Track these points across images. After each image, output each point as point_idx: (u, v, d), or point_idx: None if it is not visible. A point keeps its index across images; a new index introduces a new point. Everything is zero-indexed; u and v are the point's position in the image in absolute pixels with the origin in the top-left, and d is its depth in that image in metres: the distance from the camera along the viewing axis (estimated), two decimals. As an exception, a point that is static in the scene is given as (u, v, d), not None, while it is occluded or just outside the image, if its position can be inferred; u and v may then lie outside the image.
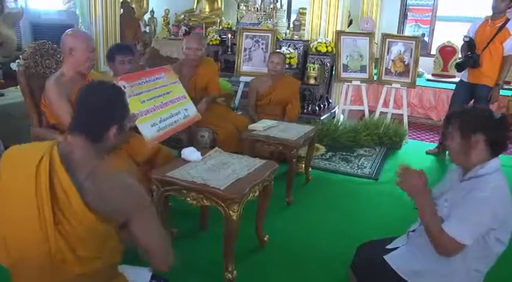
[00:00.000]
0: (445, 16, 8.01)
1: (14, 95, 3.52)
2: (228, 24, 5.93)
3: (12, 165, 1.18)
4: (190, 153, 2.27)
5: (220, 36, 5.53)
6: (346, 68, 4.78)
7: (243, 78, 4.52)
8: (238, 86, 4.62)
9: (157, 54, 3.85)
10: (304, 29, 5.16)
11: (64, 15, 4.90)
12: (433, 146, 4.60)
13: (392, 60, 4.79)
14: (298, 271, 2.24)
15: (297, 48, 4.81)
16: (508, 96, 5.63)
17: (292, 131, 3.11)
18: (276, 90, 3.76)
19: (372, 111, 5.00)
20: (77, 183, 1.13)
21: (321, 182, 3.50)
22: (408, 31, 8.36)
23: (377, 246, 1.80)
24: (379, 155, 4.23)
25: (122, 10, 6.32)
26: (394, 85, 4.79)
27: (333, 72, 4.91)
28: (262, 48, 4.62)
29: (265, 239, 2.44)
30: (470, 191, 1.46)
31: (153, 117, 2.51)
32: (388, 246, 1.75)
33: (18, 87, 2.73)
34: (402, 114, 4.86)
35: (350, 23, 6.86)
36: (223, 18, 7.99)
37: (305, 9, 5.47)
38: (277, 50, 4.39)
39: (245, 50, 4.65)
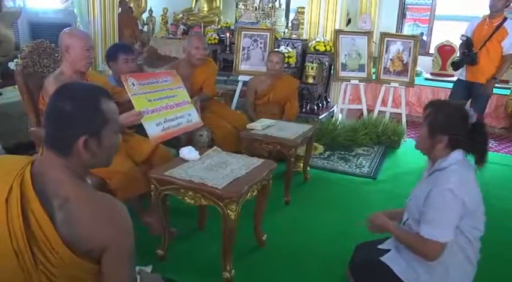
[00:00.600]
0: (444, 15, 8.03)
1: (12, 94, 3.51)
2: (227, 23, 5.93)
3: None
4: (188, 152, 2.27)
5: (218, 35, 5.52)
6: (344, 67, 4.78)
7: (241, 78, 4.52)
8: (237, 85, 4.62)
9: (155, 53, 3.85)
10: (302, 28, 5.17)
11: (62, 14, 4.90)
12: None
13: (391, 59, 4.79)
14: (297, 270, 2.24)
15: (295, 47, 4.82)
16: (507, 95, 5.64)
17: (291, 130, 3.11)
18: (275, 89, 3.76)
19: (370, 110, 5.00)
20: (52, 213, 0.99)
21: (319, 181, 3.50)
22: (407, 30, 8.37)
23: (375, 247, 1.80)
24: (377, 154, 4.23)
25: (120, 9, 6.32)
26: (392, 84, 4.79)
27: (332, 71, 4.91)
28: (260, 48, 4.62)
29: (264, 238, 2.44)
30: (435, 185, 1.51)
31: (158, 117, 2.56)
32: (380, 246, 1.76)
33: (16, 86, 2.73)
34: (401, 113, 4.86)
35: (348, 22, 6.86)
36: (221, 17, 7.99)
37: (303, 8, 5.48)
38: (276, 49, 4.39)
39: (243, 49, 4.65)
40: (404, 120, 4.84)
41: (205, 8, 8.28)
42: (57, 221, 0.98)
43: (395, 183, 3.53)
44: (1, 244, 0.98)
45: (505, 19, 3.80)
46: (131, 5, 7.62)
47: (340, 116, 4.92)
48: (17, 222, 0.97)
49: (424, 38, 7.86)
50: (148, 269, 2.01)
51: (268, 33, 4.64)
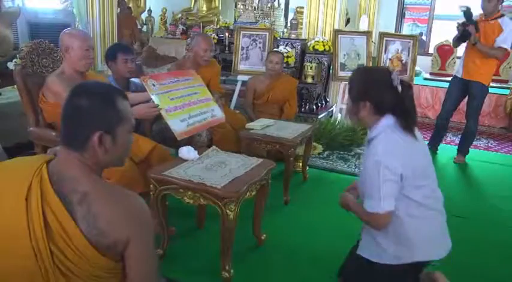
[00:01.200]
0: (443, 15, 8.03)
1: (11, 94, 3.50)
2: (226, 23, 5.92)
3: None
4: (187, 152, 2.27)
5: (217, 35, 5.52)
6: (343, 66, 4.78)
7: (240, 77, 4.52)
8: (236, 85, 4.62)
9: (154, 53, 3.85)
10: (301, 28, 5.16)
11: (61, 14, 4.89)
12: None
13: (390, 59, 4.79)
14: (296, 270, 2.25)
15: (294, 47, 4.82)
16: (506, 94, 5.65)
17: (290, 130, 3.11)
18: (274, 89, 3.77)
19: (369, 110, 5.00)
20: (71, 209, 0.99)
21: (318, 181, 3.50)
22: (406, 30, 8.38)
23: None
24: (376, 153, 4.23)
25: (119, 9, 6.32)
26: (391, 84, 4.78)
27: (330, 71, 4.91)
28: (259, 47, 4.62)
29: (263, 238, 2.45)
30: (367, 157, 1.53)
31: (182, 113, 2.56)
32: (358, 240, 1.76)
33: (15, 86, 2.73)
34: (400, 113, 4.86)
35: (347, 21, 6.86)
36: (220, 17, 7.98)
37: (302, 7, 5.48)
38: (275, 49, 4.39)
39: (242, 48, 4.65)
40: (403, 119, 4.83)
41: (204, 8, 8.28)
42: (77, 216, 0.99)
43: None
44: (20, 243, 0.98)
45: (501, 16, 3.81)
46: (130, 5, 7.63)
47: (339, 115, 4.93)
48: (37, 221, 0.97)
49: (423, 37, 7.87)
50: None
51: (267, 33, 4.64)
